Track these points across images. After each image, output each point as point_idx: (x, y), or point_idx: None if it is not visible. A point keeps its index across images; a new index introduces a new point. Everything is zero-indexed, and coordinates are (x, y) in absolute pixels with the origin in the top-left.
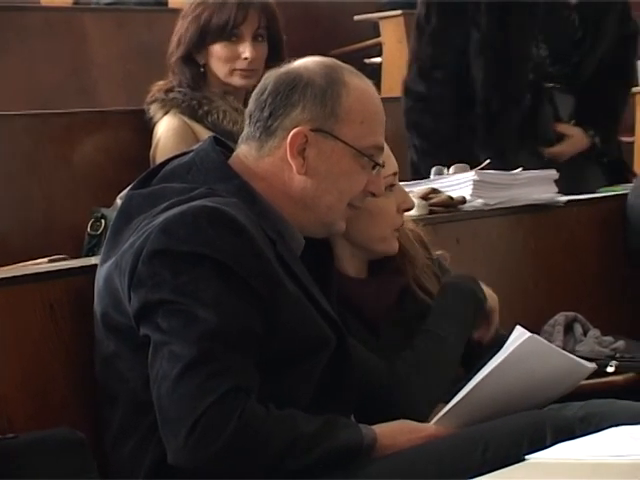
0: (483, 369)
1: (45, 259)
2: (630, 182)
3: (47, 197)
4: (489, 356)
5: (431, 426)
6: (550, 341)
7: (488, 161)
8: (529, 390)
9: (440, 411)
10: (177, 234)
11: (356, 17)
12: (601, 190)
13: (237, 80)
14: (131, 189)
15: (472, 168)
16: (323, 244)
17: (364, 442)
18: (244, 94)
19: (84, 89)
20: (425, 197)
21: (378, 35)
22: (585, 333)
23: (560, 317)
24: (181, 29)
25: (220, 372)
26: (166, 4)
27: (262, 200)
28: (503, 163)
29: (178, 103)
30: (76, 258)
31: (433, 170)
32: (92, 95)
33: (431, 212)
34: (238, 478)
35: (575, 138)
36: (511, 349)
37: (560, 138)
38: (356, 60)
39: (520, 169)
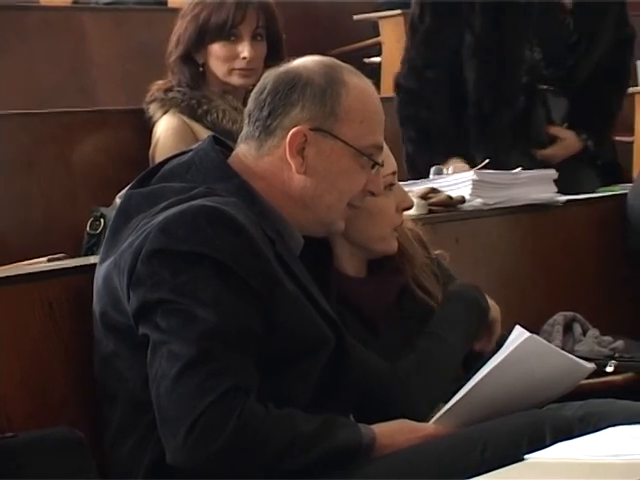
0: (482, 369)
1: (44, 258)
2: (624, 182)
3: (46, 196)
4: (488, 356)
5: (430, 426)
6: (549, 341)
7: (487, 161)
8: (528, 390)
9: (439, 411)
10: (176, 233)
11: (355, 17)
12: (599, 190)
13: (236, 79)
14: (130, 188)
15: (467, 162)
16: (322, 243)
17: (363, 442)
18: (243, 93)
19: (83, 88)
20: (424, 196)
21: (377, 35)
22: (584, 333)
23: (559, 317)
24: (180, 29)
25: (219, 371)
26: (165, 3)
27: (261, 199)
28: (495, 163)
29: (177, 102)
30: (75, 257)
31: (432, 170)
32: (91, 94)
33: (430, 211)
34: (237, 478)
35: (567, 141)
36: (510, 349)
37: (552, 141)
38: (355, 60)
39: (519, 169)
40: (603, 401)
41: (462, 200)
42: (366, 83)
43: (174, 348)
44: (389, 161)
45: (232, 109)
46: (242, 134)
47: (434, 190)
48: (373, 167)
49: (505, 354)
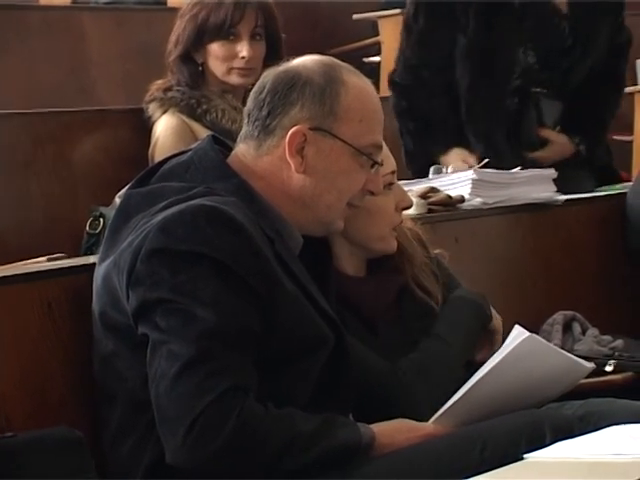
0: (482, 368)
1: (44, 258)
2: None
3: (46, 196)
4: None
5: (429, 425)
6: (549, 340)
7: (486, 160)
8: (528, 389)
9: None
10: (175, 233)
11: (355, 16)
12: (599, 189)
13: (235, 79)
14: (130, 188)
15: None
16: (321, 243)
17: (362, 441)
18: (243, 93)
19: (83, 88)
20: (424, 196)
21: (377, 34)
22: (584, 332)
23: (559, 316)
24: (179, 28)
25: (218, 371)
26: (165, 3)
27: (261, 199)
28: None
29: (177, 102)
30: (74, 257)
31: (432, 169)
32: (91, 94)
33: (430, 211)
34: (236, 477)
35: (559, 145)
36: (510, 348)
37: (545, 143)
38: (355, 59)
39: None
40: (603, 400)
41: (462, 199)
42: (365, 82)
43: (173, 348)
44: (388, 160)
45: (231, 108)
46: (241, 133)
47: (433, 189)
48: (372, 166)
49: (504, 353)
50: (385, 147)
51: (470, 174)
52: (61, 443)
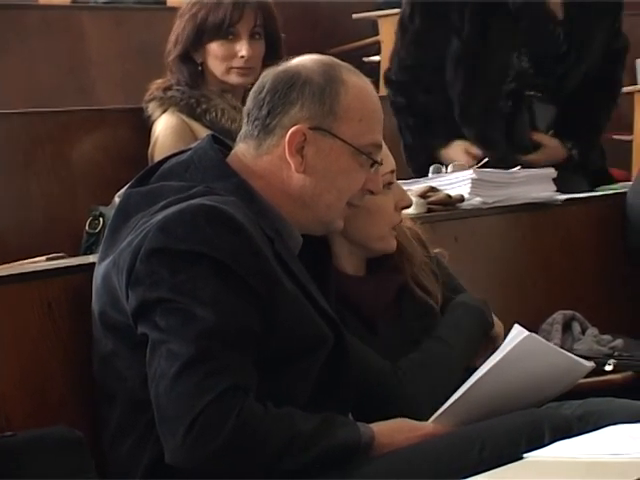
0: (481, 368)
1: (43, 257)
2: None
3: (45, 195)
4: (488, 355)
5: (429, 425)
6: (548, 340)
7: (486, 159)
8: (527, 389)
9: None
10: (175, 232)
11: (355, 15)
12: (599, 189)
13: (234, 78)
14: (129, 187)
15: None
16: (321, 242)
17: (362, 440)
18: (242, 92)
19: (82, 88)
20: (423, 195)
21: (377, 33)
22: (583, 332)
23: (558, 315)
24: (178, 28)
25: (218, 370)
26: (164, 3)
27: (260, 198)
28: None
29: (176, 101)
30: (74, 256)
31: (431, 168)
32: (90, 93)
33: (429, 210)
34: (236, 477)
35: (551, 148)
36: (509, 348)
37: (537, 147)
38: (355, 58)
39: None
40: (602, 400)
41: (461, 199)
42: (365, 82)
43: (173, 347)
44: (388, 160)
45: (231, 108)
46: (241, 133)
47: (433, 189)
48: (372, 166)
49: (504, 353)
50: (384, 146)
51: (470, 173)
52: (61, 443)
